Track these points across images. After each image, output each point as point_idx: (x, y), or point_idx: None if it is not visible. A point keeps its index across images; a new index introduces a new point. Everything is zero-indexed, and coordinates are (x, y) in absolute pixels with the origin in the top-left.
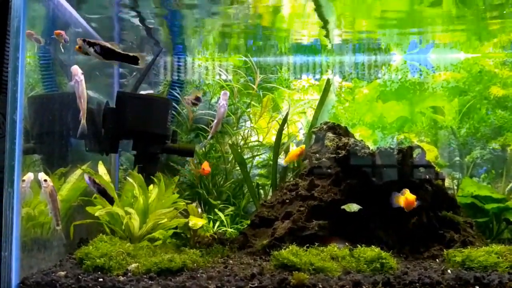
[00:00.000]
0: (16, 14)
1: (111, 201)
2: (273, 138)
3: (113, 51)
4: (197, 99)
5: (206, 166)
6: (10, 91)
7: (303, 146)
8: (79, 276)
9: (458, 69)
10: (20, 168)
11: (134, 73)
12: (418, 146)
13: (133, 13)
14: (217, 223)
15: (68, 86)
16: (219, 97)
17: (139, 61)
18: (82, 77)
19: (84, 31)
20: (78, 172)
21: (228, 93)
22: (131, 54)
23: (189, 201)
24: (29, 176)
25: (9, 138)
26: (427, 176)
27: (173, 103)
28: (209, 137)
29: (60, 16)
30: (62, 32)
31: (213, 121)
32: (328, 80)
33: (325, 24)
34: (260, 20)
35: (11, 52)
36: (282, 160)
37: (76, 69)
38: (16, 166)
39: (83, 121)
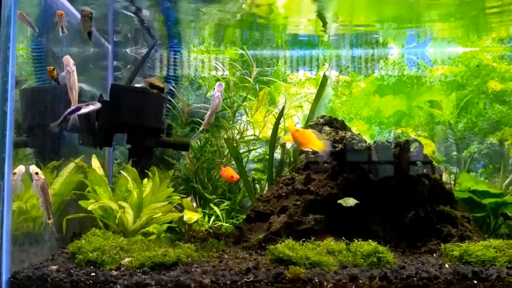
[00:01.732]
0: (7, 3)
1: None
2: (269, 132)
3: None
4: (151, 85)
5: (232, 173)
6: (0, 82)
7: None
8: (71, 270)
9: (456, 63)
10: (10, 160)
11: (129, 66)
12: (416, 140)
13: (128, 4)
14: (213, 218)
15: (60, 77)
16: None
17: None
18: (74, 67)
19: (77, 23)
20: (71, 165)
21: (223, 84)
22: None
23: (184, 195)
24: (21, 169)
25: None
26: (425, 170)
27: (168, 97)
28: (201, 128)
29: (52, 7)
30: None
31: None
32: (325, 74)
33: (322, 18)
34: (257, 10)
35: (1, 42)
36: (278, 155)
37: (68, 59)
38: (6, 159)
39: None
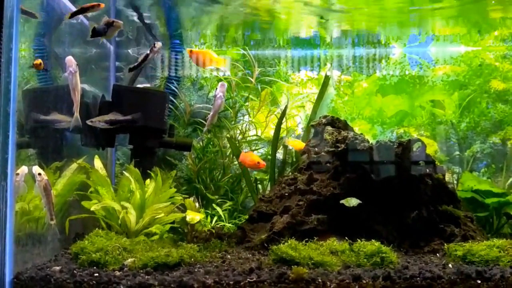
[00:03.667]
0: (9, 4)
1: None
2: (272, 132)
3: None
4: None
5: (257, 158)
6: (3, 83)
7: None
8: (74, 271)
9: (458, 62)
10: (13, 161)
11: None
12: (418, 140)
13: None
14: (215, 218)
15: (63, 78)
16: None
17: None
18: (77, 68)
19: (79, 24)
20: (73, 166)
21: (225, 84)
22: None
23: (187, 196)
24: (23, 169)
25: (2, 130)
26: (427, 170)
27: (170, 97)
28: (205, 129)
29: (54, 7)
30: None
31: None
32: (327, 74)
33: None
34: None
35: (4, 43)
36: (280, 155)
37: (70, 60)
38: (9, 159)
39: (76, 114)
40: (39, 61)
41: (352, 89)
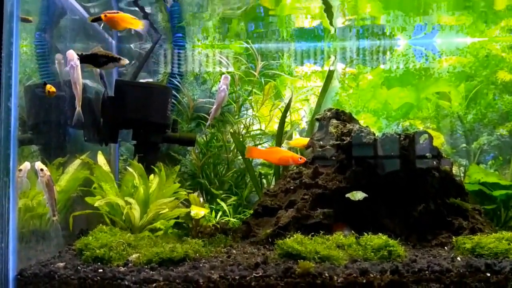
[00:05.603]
0: None
1: None
2: (276, 127)
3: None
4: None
5: (293, 153)
6: (4, 77)
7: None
8: (78, 267)
9: (464, 53)
10: (16, 157)
11: (133, 62)
12: (425, 132)
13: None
14: (220, 213)
15: (64, 72)
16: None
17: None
18: (78, 62)
19: (81, 19)
20: (77, 162)
21: (229, 77)
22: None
23: (191, 191)
24: (26, 165)
25: (4, 125)
26: (434, 163)
27: (173, 92)
28: (208, 123)
29: (56, 2)
30: None
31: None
32: (331, 67)
33: (328, 8)
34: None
35: (4, 38)
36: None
37: (71, 54)
38: (11, 155)
39: (78, 108)
40: (53, 89)
41: (356, 81)
